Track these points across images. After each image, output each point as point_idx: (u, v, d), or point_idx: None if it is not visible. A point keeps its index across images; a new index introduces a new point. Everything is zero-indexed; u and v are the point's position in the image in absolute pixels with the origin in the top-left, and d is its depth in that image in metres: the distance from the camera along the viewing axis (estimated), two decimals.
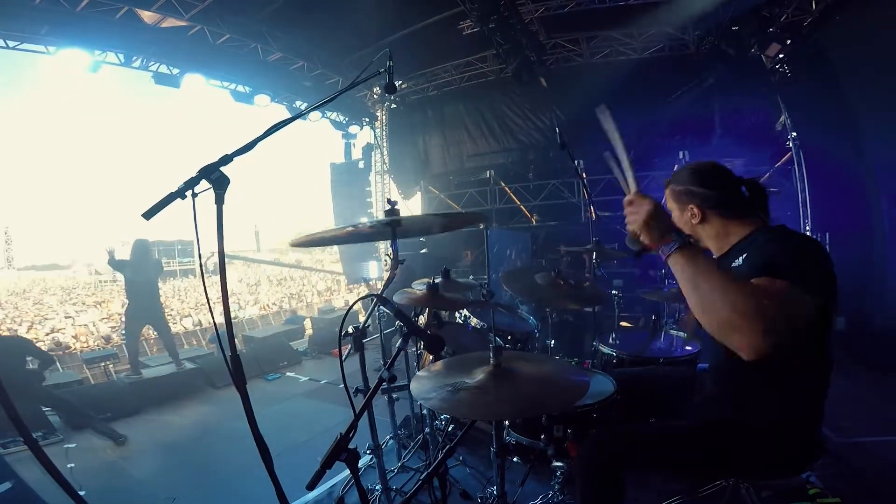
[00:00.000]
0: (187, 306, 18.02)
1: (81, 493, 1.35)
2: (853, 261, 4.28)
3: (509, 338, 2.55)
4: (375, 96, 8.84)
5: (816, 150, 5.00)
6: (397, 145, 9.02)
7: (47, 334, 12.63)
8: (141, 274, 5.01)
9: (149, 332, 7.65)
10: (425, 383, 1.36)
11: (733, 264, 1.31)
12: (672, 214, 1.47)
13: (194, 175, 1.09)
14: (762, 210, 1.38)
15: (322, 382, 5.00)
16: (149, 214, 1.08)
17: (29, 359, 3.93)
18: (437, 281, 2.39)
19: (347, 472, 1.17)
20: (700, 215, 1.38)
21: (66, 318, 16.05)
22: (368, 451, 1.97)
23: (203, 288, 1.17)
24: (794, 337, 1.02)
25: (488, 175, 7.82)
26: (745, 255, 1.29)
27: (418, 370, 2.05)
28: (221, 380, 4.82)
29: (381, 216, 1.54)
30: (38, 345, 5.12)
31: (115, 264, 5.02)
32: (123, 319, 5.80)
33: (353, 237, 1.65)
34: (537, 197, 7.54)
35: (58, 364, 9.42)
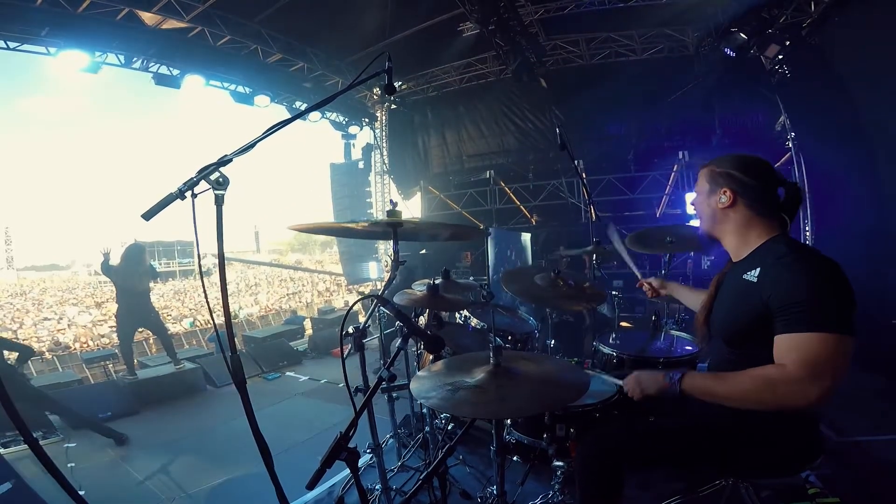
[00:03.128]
0: (187, 307, 18.03)
1: (81, 492, 1.35)
2: (853, 260, 4.26)
3: (509, 338, 2.56)
4: (375, 97, 8.85)
5: (815, 150, 5.00)
6: (397, 146, 9.02)
7: (47, 334, 12.64)
8: (131, 280, 4.92)
9: (147, 332, 7.64)
10: (425, 383, 1.36)
11: (745, 275, 1.31)
12: (698, 198, 1.48)
13: (194, 176, 1.09)
14: (790, 215, 1.38)
15: (322, 382, 5.00)
16: (148, 215, 1.08)
17: (7, 353, 3.72)
18: (437, 282, 2.39)
19: (347, 471, 1.17)
20: (731, 200, 1.38)
21: (65, 318, 16.07)
22: (368, 451, 1.96)
23: (202, 288, 1.18)
24: (844, 371, 1.11)
25: (488, 175, 7.82)
26: (759, 270, 1.28)
27: (418, 370, 2.06)
28: (221, 379, 4.83)
29: (381, 217, 1.54)
30: (37, 345, 5.05)
31: (107, 270, 4.89)
32: (116, 324, 5.74)
33: (352, 233, 1.66)
34: (537, 197, 7.55)
35: (57, 363, 9.45)
